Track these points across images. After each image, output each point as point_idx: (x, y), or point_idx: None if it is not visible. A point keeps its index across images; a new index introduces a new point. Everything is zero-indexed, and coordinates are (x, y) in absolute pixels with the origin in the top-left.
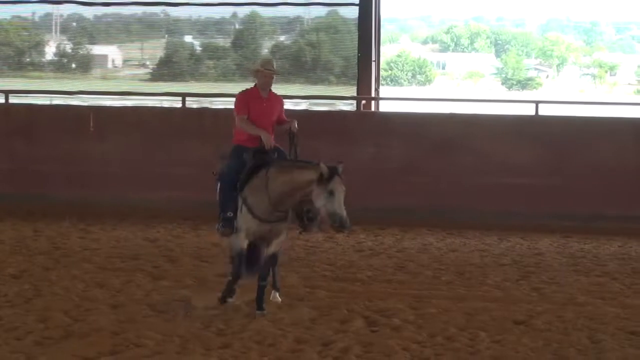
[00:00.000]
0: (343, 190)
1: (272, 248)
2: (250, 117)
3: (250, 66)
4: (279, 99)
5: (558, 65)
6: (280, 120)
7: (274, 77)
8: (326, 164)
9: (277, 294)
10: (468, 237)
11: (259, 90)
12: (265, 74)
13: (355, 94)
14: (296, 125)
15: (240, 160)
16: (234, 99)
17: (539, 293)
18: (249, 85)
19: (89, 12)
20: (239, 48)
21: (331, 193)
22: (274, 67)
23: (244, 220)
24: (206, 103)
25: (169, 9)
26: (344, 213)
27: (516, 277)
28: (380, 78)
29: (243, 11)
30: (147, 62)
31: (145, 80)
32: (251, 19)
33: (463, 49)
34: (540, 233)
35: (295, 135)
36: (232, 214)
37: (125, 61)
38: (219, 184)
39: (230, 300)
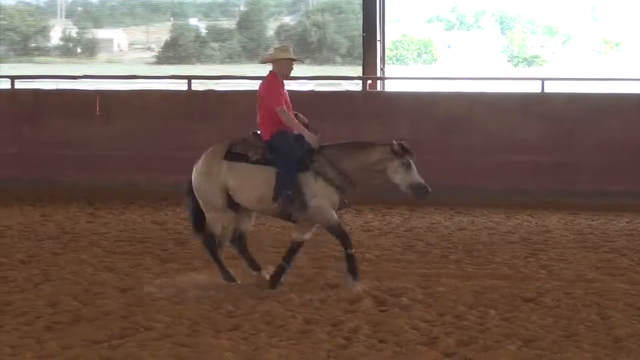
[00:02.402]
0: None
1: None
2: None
3: (269, 54)
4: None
5: (563, 42)
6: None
7: None
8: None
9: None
10: (476, 215)
11: (279, 78)
12: (290, 64)
13: (361, 74)
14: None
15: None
16: (240, 81)
17: (547, 270)
18: (254, 67)
19: None
20: (244, 30)
21: (408, 166)
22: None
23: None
24: (212, 85)
25: None
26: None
27: (524, 255)
28: (386, 57)
29: None
30: (153, 45)
31: (151, 64)
32: (256, 0)
33: (468, 27)
34: (547, 210)
35: None
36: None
37: (130, 44)
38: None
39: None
